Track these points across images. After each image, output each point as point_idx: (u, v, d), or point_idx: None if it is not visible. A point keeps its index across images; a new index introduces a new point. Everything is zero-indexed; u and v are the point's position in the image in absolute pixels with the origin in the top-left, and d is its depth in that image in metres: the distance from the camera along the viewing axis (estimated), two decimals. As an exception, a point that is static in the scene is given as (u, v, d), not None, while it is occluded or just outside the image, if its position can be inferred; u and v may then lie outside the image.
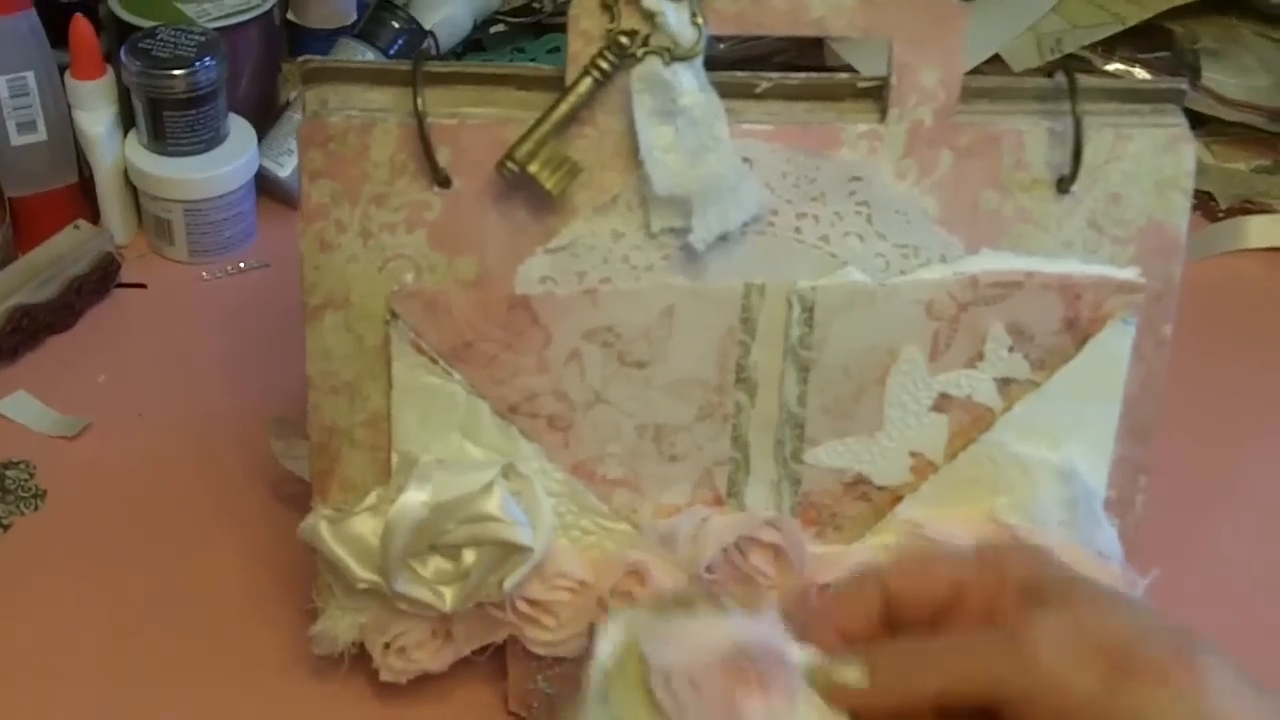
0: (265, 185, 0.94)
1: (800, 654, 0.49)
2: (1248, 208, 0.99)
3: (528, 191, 0.59)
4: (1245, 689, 0.46)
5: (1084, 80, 0.62)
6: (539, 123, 0.58)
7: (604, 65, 0.58)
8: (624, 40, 0.57)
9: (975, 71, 0.66)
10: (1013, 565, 0.49)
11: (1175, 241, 0.64)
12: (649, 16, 0.57)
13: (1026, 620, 0.47)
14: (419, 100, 0.58)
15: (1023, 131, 0.62)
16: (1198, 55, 1.02)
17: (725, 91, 0.59)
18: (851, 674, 0.49)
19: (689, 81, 0.58)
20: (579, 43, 0.58)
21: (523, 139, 0.58)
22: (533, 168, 0.58)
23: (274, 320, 0.87)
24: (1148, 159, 0.62)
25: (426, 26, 0.98)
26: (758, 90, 0.61)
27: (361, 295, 0.61)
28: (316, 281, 0.61)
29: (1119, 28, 1.01)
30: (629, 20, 0.57)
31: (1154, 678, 0.46)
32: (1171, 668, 0.46)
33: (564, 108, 0.58)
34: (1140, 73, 1.02)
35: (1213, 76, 1.01)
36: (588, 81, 0.58)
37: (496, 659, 0.67)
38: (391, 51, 0.96)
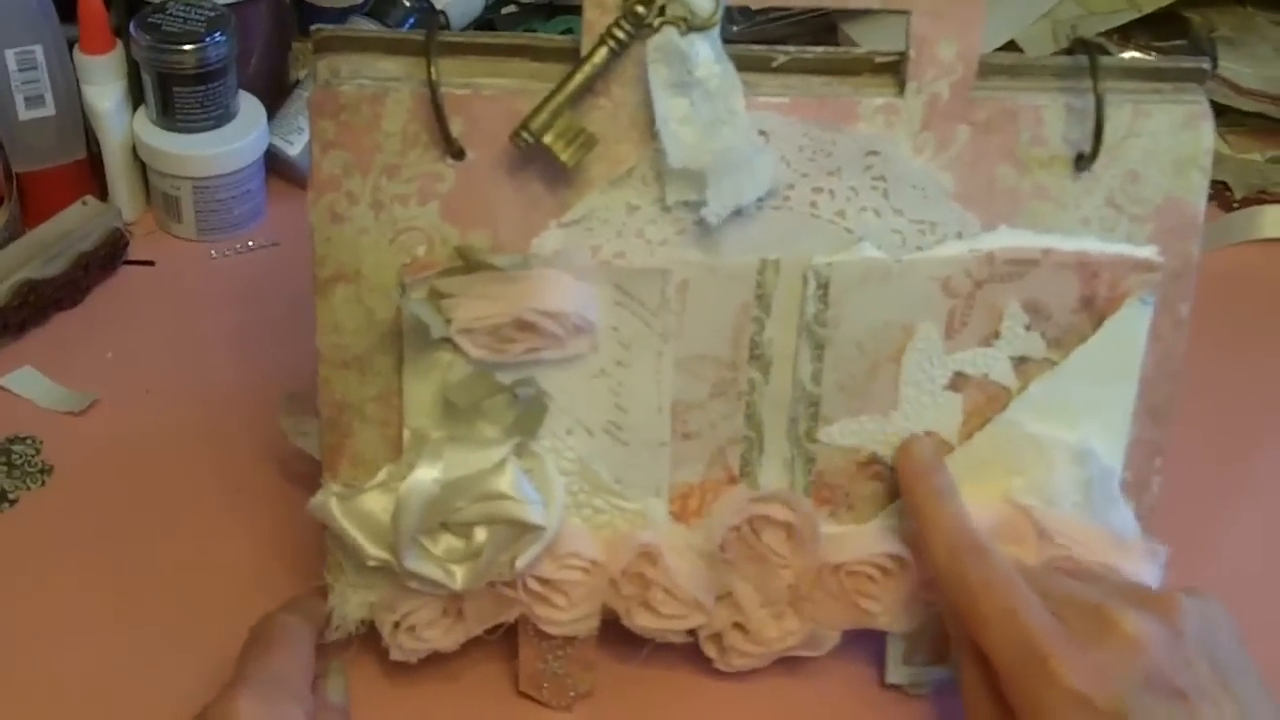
0: (274, 164, 0.93)
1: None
2: (1263, 198, 0.99)
3: (542, 164, 0.59)
4: None
5: (1105, 59, 0.61)
6: (554, 93, 0.57)
7: (620, 35, 0.57)
8: (640, 10, 0.56)
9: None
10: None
11: (1193, 220, 0.63)
12: (666, -14, 0.57)
13: None
14: (432, 70, 0.57)
15: (1041, 107, 0.61)
16: (1214, 44, 1.01)
17: (742, 65, 0.58)
18: None
19: (705, 53, 0.57)
20: (594, 12, 0.57)
21: (537, 110, 0.57)
22: (547, 139, 0.57)
23: (282, 299, 0.87)
24: (1166, 136, 0.62)
25: (438, 6, 0.97)
26: (775, 64, 0.60)
27: (373, 268, 0.60)
28: (327, 254, 0.60)
29: (1135, 15, 1.01)
30: (646, -11, 0.57)
31: None
32: None
33: (579, 78, 0.57)
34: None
35: (1229, 66, 1.00)
36: (603, 51, 0.57)
37: (507, 639, 0.66)
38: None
